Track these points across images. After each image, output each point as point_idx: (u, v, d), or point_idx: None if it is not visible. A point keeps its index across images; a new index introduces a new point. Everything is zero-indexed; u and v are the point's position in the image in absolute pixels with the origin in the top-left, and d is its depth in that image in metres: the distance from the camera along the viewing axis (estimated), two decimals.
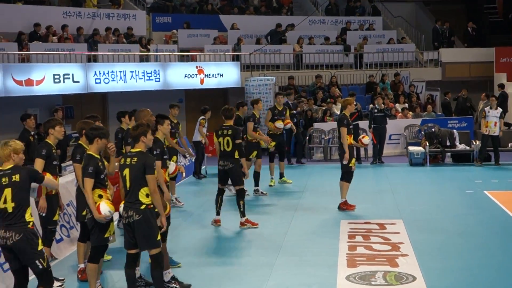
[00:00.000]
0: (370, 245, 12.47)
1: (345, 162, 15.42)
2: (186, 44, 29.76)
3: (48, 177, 8.99)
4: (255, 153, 17.67)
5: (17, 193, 8.34)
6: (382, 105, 23.57)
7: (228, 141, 14.02)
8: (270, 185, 19.17)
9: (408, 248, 12.16)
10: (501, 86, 27.71)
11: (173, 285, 10.07)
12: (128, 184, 9.23)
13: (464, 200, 16.92)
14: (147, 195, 9.21)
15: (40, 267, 8.39)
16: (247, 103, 20.28)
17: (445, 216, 15.08)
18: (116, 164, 9.98)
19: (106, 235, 9.55)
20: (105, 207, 9.33)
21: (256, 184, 17.99)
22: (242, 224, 14.26)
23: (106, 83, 24.13)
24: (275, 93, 19.14)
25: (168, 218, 10.19)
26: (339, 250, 12.11)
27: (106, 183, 9.76)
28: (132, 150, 9.39)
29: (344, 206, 15.59)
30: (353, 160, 15.57)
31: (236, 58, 28.84)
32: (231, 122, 14.20)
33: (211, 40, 29.81)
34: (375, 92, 27.19)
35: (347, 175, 15.61)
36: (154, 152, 10.57)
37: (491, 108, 22.24)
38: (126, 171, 9.24)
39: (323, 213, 15.56)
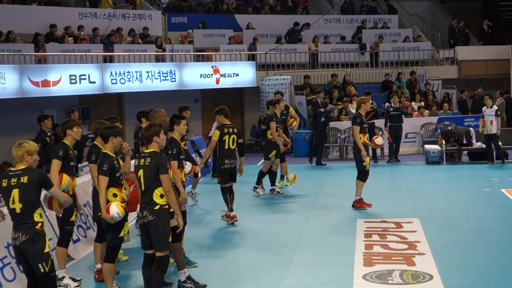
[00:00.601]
0: (386, 244, 12.45)
1: (364, 159, 15.42)
2: (202, 44, 29.81)
3: (55, 190, 8.95)
4: (274, 152, 17.66)
5: (24, 194, 8.36)
6: (398, 104, 23.51)
7: (234, 139, 14.30)
8: (286, 185, 19.09)
9: (425, 247, 12.13)
10: (506, 92, 27.70)
11: (188, 285, 10.10)
12: (143, 185, 9.27)
13: (481, 198, 16.86)
14: (162, 196, 9.22)
15: (42, 270, 8.34)
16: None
17: (462, 214, 15.03)
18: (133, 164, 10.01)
19: (120, 235, 9.57)
20: (114, 209, 9.32)
21: (273, 183, 17.99)
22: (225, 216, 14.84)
23: (122, 83, 24.20)
24: (275, 100, 18.26)
25: (184, 218, 10.21)
26: (356, 249, 12.10)
27: (122, 182, 9.75)
28: (146, 151, 9.42)
29: (358, 204, 15.59)
30: (367, 159, 15.54)
31: (251, 58, 28.86)
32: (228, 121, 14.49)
33: (227, 40, 29.85)
34: (391, 91, 27.14)
35: (362, 174, 15.60)
36: (170, 152, 10.65)
37: (487, 107, 22.14)
38: (141, 172, 9.28)
39: (340, 212, 15.55)
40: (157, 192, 9.20)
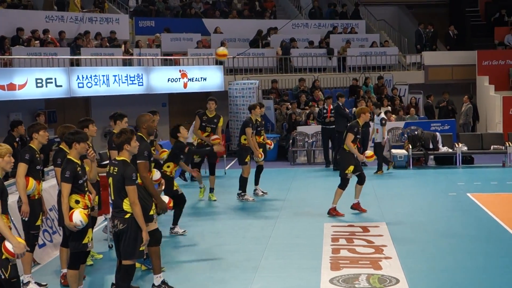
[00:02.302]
0: (353, 248, 12.49)
1: (366, 156, 15.77)
2: (169, 48, 29.77)
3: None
4: (248, 156, 17.67)
5: None
6: None
7: None
8: (200, 198, 17.97)
9: (392, 251, 12.19)
10: (469, 97, 28.02)
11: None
12: (112, 193, 9.17)
13: (447, 203, 16.98)
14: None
15: (2, 277, 8.05)
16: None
17: (428, 218, 15.13)
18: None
19: (84, 241, 9.46)
20: (78, 216, 9.21)
21: (242, 188, 17.93)
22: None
23: (89, 87, 24.07)
24: (208, 98, 17.76)
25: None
26: (323, 253, 12.12)
27: (86, 189, 9.64)
28: (117, 158, 9.25)
29: (334, 212, 15.47)
30: (351, 167, 15.35)
31: (219, 62, 28.85)
32: None
33: (194, 44, 29.84)
34: (358, 95, 27.30)
35: (342, 182, 15.40)
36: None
37: (376, 115, 22.31)
38: (110, 180, 9.19)
39: (307, 216, 15.57)
40: (126, 201, 9.07)
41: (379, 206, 16.50)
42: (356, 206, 15.71)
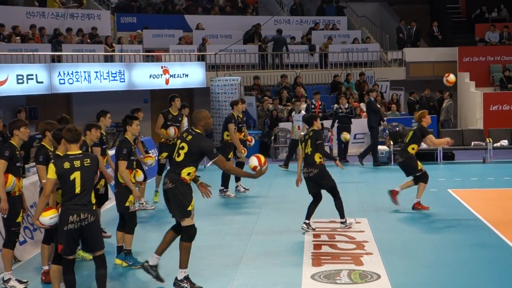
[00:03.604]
0: (335, 244, 12.55)
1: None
2: (151, 44, 29.68)
3: None
4: (231, 153, 17.67)
5: None
6: (346, 105, 23.68)
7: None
8: (155, 201, 17.01)
9: (373, 247, 12.25)
10: (449, 95, 28.27)
11: (184, 284, 10.06)
12: (79, 187, 8.93)
13: (428, 198, 17.00)
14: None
15: None
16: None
17: (409, 214, 15.21)
18: None
19: None
20: (49, 217, 9.13)
21: (224, 184, 17.91)
22: None
23: (70, 83, 23.96)
24: (171, 96, 17.32)
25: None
26: (304, 249, 12.17)
27: None
28: (75, 152, 9.08)
29: (419, 206, 15.62)
30: (419, 163, 15.79)
31: (201, 58, 28.82)
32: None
33: (176, 40, 29.77)
34: (340, 92, 27.34)
35: (423, 177, 15.69)
36: (120, 152, 10.74)
37: (295, 112, 22.39)
38: (76, 174, 8.93)
39: (289, 212, 15.60)
40: (92, 193, 9.14)
41: (361, 202, 16.57)
42: (417, 206, 15.74)
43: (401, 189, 15.86)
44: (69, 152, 9.09)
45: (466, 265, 11.19)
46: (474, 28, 34.09)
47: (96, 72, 24.79)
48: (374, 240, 12.74)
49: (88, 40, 27.47)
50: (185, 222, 9.99)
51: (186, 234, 10.04)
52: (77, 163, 8.95)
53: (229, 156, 17.57)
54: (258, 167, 10.18)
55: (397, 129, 24.05)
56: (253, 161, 10.29)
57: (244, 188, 18.43)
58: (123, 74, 25.62)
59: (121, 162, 11.18)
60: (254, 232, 13.76)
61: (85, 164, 8.99)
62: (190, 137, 10.00)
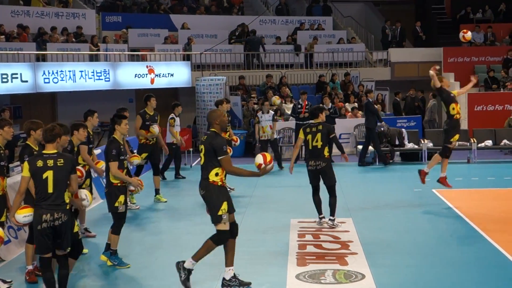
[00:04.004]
0: (320, 244, 12.56)
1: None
2: (137, 43, 29.64)
3: None
4: None
5: None
6: (330, 105, 23.69)
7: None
8: (133, 202, 16.56)
9: (358, 247, 12.27)
10: (434, 96, 28.41)
11: (233, 283, 10.06)
12: (51, 187, 8.98)
13: (413, 198, 17.12)
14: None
15: None
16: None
17: (394, 214, 15.25)
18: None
19: (74, 230, 9.47)
20: (23, 215, 9.17)
21: None
22: None
23: (55, 82, 23.89)
24: (146, 95, 17.26)
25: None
26: (289, 249, 12.18)
27: None
28: (51, 152, 9.13)
29: (444, 182, 16.32)
30: (456, 136, 16.05)
31: (186, 58, 28.79)
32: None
33: (162, 40, 29.74)
34: (325, 92, 27.39)
35: (444, 149, 16.22)
36: (109, 153, 10.79)
37: (262, 112, 22.46)
38: (49, 173, 8.98)
39: (274, 212, 15.61)
40: (67, 193, 9.14)
41: (346, 202, 16.57)
42: (442, 181, 16.25)
43: (444, 173, 16.31)
44: (44, 151, 9.16)
45: (450, 264, 11.22)
46: (459, 28, 34.18)
47: (81, 71, 24.73)
48: (359, 240, 12.77)
49: (73, 39, 27.39)
50: (217, 227, 10.07)
51: (216, 236, 10.08)
52: (50, 162, 8.99)
53: None
54: (263, 165, 10.20)
55: (382, 129, 24.10)
56: (258, 158, 10.33)
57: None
58: (108, 74, 25.56)
59: (112, 163, 11.17)
60: (239, 232, 13.72)
61: (58, 164, 9.02)
62: (205, 137, 10.10)
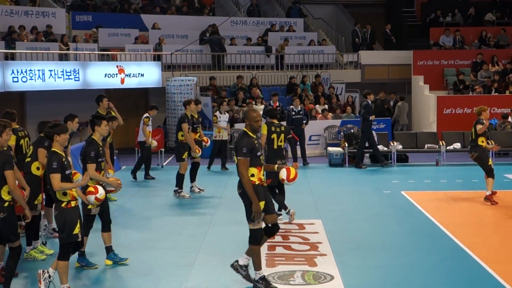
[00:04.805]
0: (289, 245, 12.58)
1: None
2: (107, 43, 29.46)
3: None
4: (186, 153, 17.63)
5: None
6: (299, 107, 23.73)
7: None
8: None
9: (327, 248, 12.31)
10: (401, 98, 28.73)
11: (260, 285, 9.99)
12: None
13: (382, 200, 17.20)
14: (9, 193, 9.46)
15: None
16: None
17: (363, 216, 15.31)
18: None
19: (75, 232, 9.57)
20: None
21: (179, 185, 17.82)
22: None
23: (24, 82, 23.70)
24: (98, 96, 16.76)
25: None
26: None
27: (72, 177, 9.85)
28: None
29: (491, 198, 16.37)
30: (490, 159, 16.79)
31: (157, 58, 28.71)
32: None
33: (132, 40, 29.62)
34: (296, 93, 27.44)
35: (490, 173, 16.48)
36: (92, 154, 10.78)
37: (221, 113, 22.64)
38: None
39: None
40: (5, 189, 9.40)
41: (315, 203, 16.64)
42: (489, 197, 16.43)
43: (490, 191, 16.48)
44: None
45: (418, 266, 11.30)
46: (429, 31, 34.49)
47: (51, 70, 24.53)
48: (328, 241, 12.81)
49: (43, 38, 27.18)
50: (250, 226, 10.02)
51: (252, 236, 10.04)
52: None
53: (183, 157, 17.56)
54: (285, 181, 10.53)
55: (352, 131, 24.22)
56: (283, 173, 10.58)
57: (199, 188, 18.38)
58: (78, 73, 25.39)
59: (90, 165, 11.01)
60: (209, 233, 13.74)
61: None
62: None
